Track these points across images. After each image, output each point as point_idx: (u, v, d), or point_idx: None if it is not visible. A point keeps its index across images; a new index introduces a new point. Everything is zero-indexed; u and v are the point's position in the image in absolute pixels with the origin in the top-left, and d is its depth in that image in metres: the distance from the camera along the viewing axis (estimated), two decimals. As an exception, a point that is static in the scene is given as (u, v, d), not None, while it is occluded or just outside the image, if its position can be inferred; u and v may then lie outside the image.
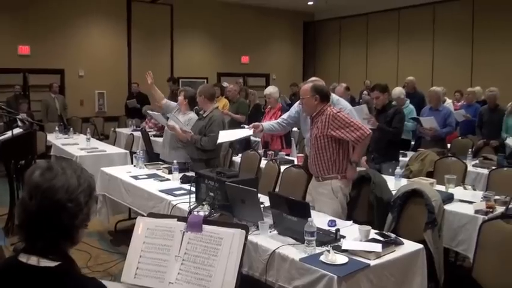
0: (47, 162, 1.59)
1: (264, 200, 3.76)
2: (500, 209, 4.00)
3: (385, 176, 4.60)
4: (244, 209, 3.50)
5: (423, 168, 5.74)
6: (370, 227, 3.31)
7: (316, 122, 4.14)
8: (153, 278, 2.33)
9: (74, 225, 1.54)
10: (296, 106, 4.99)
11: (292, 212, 3.18)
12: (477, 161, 6.18)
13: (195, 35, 14.38)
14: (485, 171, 5.61)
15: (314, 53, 16.99)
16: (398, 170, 5.02)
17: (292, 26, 16.65)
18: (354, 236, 3.26)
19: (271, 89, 7.28)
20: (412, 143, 7.44)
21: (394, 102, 6.34)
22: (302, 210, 3.15)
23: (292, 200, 3.35)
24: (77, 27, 12.30)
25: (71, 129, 9.41)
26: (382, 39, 14.61)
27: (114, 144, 8.77)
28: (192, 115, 5.74)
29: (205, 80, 13.68)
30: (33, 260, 1.50)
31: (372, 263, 2.84)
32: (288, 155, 6.79)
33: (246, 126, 5.98)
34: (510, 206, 4.00)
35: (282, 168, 5.44)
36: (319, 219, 3.42)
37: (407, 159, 6.21)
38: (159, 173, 5.44)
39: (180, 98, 5.84)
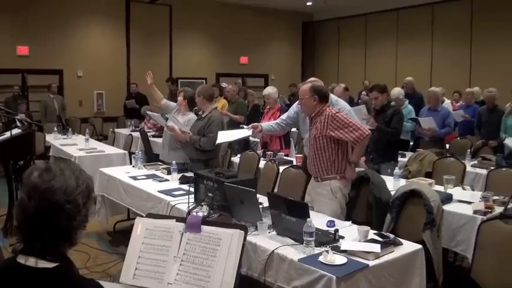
0: (45, 163, 1.58)
1: (263, 200, 3.76)
2: (498, 209, 4.00)
3: (384, 177, 4.60)
4: (243, 210, 3.50)
5: (422, 169, 5.74)
6: (368, 228, 3.31)
7: (315, 123, 4.13)
8: (152, 278, 2.33)
9: (72, 227, 1.54)
10: (295, 106, 4.99)
11: (291, 213, 3.18)
12: (476, 162, 6.19)
13: (193, 35, 14.39)
14: (484, 171, 5.62)
15: (313, 53, 17.00)
16: (397, 171, 5.02)
17: (291, 27, 16.66)
18: (353, 236, 3.26)
19: (270, 90, 7.28)
20: (411, 143, 7.44)
21: (393, 103, 6.34)
22: (301, 210, 3.15)
23: (291, 201, 3.35)
24: (76, 28, 12.30)
25: (70, 129, 9.39)
26: (381, 40, 14.63)
27: (112, 145, 8.76)
28: (192, 116, 5.73)
29: (204, 81, 13.69)
30: (31, 261, 1.50)
31: (371, 263, 2.84)
32: (286, 155, 6.78)
33: (245, 126, 5.97)
34: (509, 206, 4.01)
35: (281, 168, 5.43)
36: (318, 220, 3.42)
37: (406, 159, 6.21)
38: (158, 173, 5.44)
39: (180, 98, 5.83)
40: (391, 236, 3.26)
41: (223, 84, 10.41)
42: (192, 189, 4.06)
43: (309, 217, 2.99)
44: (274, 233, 3.33)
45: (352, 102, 9.13)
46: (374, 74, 14.10)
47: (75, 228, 1.55)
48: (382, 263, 2.89)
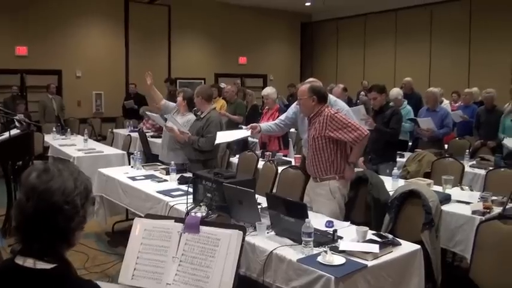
0: (43, 164, 1.58)
1: (262, 201, 3.76)
2: (497, 210, 4.01)
3: (382, 177, 4.60)
4: (241, 210, 3.50)
5: (420, 169, 5.74)
6: (367, 228, 3.31)
7: (314, 123, 4.13)
8: (151, 279, 2.33)
9: (70, 228, 1.54)
10: (293, 107, 4.98)
11: (289, 213, 3.18)
12: (474, 162, 6.20)
13: (192, 35, 14.39)
14: (483, 171, 5.62)
15: (311, 53, 17.00)
16: (395, 171, 5.02)
17: (289, 27, 16.66)
18: (351, 236, 3.26)
19: (269, 90, 7.29)
20: (410, 143, 7.45)
21: (391, 103, 6.35)
22: (299, 211, 3.16)
23: (290, 201, 3.36)
24: (75, 28, 12.29)
25: (68, 130, 9.38)
26: (380, 40, 14.63)
27: (111, 145, 8.76)
28: (191, 116, 5.73)
29: (202, 81, 13.69)
30: (29, 263, 1.49)
31: (369, 263, 2.84)
32: (285, 155, 6.78)
33: (243, 127, 5.97)
34: (507, 206, 4.01)
35: (280, 169, 5.44)
36: (316, 220, 3.42)
37: (404, 160, 6.22)
38: (157, 174, 5.44)
39: (179, 99, 5.83)
40: (390, 236, 3.27)
41: (222, 85, 10.40)
42: (190, 190, 4.06)
43: (307, 217, 2.99)
44: (272, 233, 3.33)
45: (350, 103, 9.12)
46: (373, 74, 14.11)
47: (73, 229, 1.55)
48: (380, 264, 2.89)
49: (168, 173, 5.22)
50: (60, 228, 1.51)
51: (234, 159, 6.63)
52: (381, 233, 3.44)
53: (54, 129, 9.16)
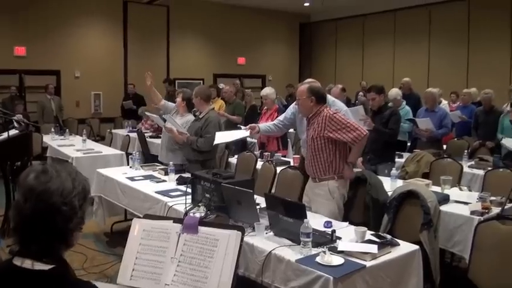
0: (41, 165, 1.58)
1: (260, 201, 3.77)
2: (495, 210, 4.02)
3: (381, 177, 4.61)
4: (240, 211, 3.50)
5: (419, 170, 5.75)
6: (366, 228, 3.32)
7: (313, 124, 4.13)
8: (149, 279, 2.32)
9: (68, 229, 1.54)
10: (292, 107, 4.99)
11: (288, 213, 3.19)
12: (473, 162, 6.21)
13: (191, 36, 14.38)
14: (481, 172, 5.63)
15: (310, 54, 17.01)
16: (394, 171, 5.03)
17: (288, 28, 16.66)
18: (350, 237, 3.27)
19: (267, 90, 7.29)
20: (408, 144, 7.45)
21: (390, 104, 6.35)
22: (298, 211, 3.16)
23: (288, 201, 3.36)
24: (73, 28, 12.27)
25: (67, 130, 9.37)
26: (378, 41, 14.63)
27: (110, 146, 8.76)
28: (190, 117, 5.72)
29: (201, 81, 13.69)
30: (27, 264, 1.49)
31: (368, 264, 2.84)
32: (284, 156, 6.79)
33: (242, 127, 5.98)
34: (506, 207, 4.02)
35: (278, 169, 5.44)
36: (315, 221, 3.43)
37: (403, 160, 6.23)
38: (155, 174, 5.44)
39: (178, 99, 5.83)
40: (388, 236, 3.27)
41: (221, 85, 10.40)
42: (189, 190, 4.06)
43: (306, 218, 2.99)
44: (271, 233, 3.33)
45: (349, 103, 9.12)
46: (371, 74, 14.11)
47: (71, 230, 1.55)
48: (379, 264, 2.90)
49: (166, 174, 5.22)
50: (58, 229, 1.51)
51: (233, 160, 6.63)
52: (380, 233, 3.44)
53: (52, 129, 9.16)
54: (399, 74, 11.95)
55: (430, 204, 3.75)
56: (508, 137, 6.51)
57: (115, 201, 5.26)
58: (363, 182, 4.31)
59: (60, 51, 12.09)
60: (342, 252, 2.95)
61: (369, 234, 3.27)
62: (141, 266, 2.37)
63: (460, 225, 3.99)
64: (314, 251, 2.96)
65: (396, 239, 3.22)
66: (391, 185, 4.72)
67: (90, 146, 7.86)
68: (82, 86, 12.50)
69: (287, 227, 3.19)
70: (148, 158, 7.94)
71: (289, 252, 2.99)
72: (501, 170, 5.22)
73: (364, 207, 4.24)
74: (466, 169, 5.77)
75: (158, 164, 5.87)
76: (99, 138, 11.42)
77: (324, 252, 2.85)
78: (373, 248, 2.94)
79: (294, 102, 4.73)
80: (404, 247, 3.14)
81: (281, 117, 5.09)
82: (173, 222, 2.45)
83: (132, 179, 5.21)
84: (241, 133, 5.18)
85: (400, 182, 4.86)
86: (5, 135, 5.57)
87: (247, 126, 4.94)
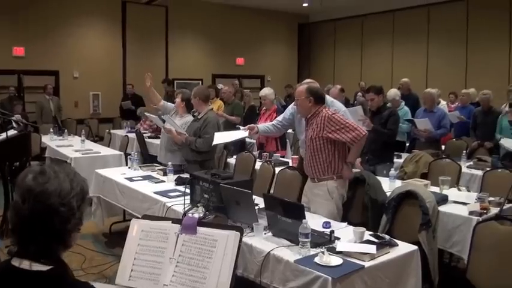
0: (39, 166, 1.58)
1: (259, 201, 3.77)
2: (494, 210, 4.02)
3: (379, 178, 4.61)
4: (239, 211, 3.50)
5: (417, 170, 5.75)
6: (364, 229, 3.32)
7: (312, 124, 4.13)
8: (148, 280, 2.32)
9: (66, 230, 1.54)
10: (291, 108, 4.99)
11: (286, 214, 3.19)
12: (471, 163, 6.21)
13: (190, 36, 14.39)
14: (480, 172, 5.63)
15: (309, 54, 17.01)
16: (392, 172, 5.03)
17: (287, 28, 16.66)
18: (349, 237, 3.27)
19: (266, 91, 7.29)
20: (407, 144, 7.46)
21: (389, 104, 6.35)
22: (296, 211, 3.16)
23: (287, 202, 3.36)
24: (72, 29, 12.27)
25: (66, 130, 9.37)
26: (377, 41, 14.64)
27: (108, 146, 8.75)
28: (190, 118, 5.72)
29: (200, 82, 13.68)
30: (25, 264, 1.49)
31: (367, 264, 2.85)
32: (282, 156, 6.79)
33: (241, 127, 5.98)
34: (504, 207, 4.02)
35: (277, 169, 5.44)
36: (313, 221, 3.43)
37: (401, 160, 6.23)
38: (154, 174, 5.44)
39: (178, 100, 5.83)
40: (387, 237, 3.27)
41: (219, 86, 10.40)
42: (188, 191, 4.06)
43: (304, 218, 2.99)
44: (270, 234, 3.33)
45: (348, 104, 9.13)
46: (370, 75, 14.13)
47: (69, 231, 1.55)
48: (377, 264, 2.90)
49: (165, 174, 5.21)
50: (56, 230, 1.51)
51: (232, 160, 6.63)
52: (378, 233, 3.44)
53: (51, 130, 9.15)
54: (398, 75, 11.96)
55: (428, 204, 3.75)
56: (507, 138, 6.52)
57: (114, 202, 5.26)
58: (361, 182, 4.31)
59: (59, 51, 12.09)
60: (340, 252, 2.95)
61: (367, 235, 3.27)
62: (139, 267, 2.37)
63: (459, 225, 3.99)
64: (313, 251, 2.96)
65: (395, 240, 3.22)
66: (389, 185, 4.72)
67: (88, 147, 7.85)
68: (81, 86, 12.50)
69: (286, 227, 3.19)
70: (147, 158, 7.94)
71: (288, 253, 2.99)
72: (499, 170, 5.22)
73: (362, 207, 4.24)
74: (464, 169, 5.78)
75: (157, 165, 5.87)
76: (98, 138, 11.40)
77: (323, 252, 2.85)
78: (372, 249, 2.94)
79: (293, 103, 4.73)
80: (403, 247, 3.14)
81: (280, 118, 5.09)
82: (172, 222, 2.45)
83: (130, 179, 5.21)
84: (240, 133, 5.19)
85: (398, 183, 4.86)
86: (3, 135, 5.56)
87: (246, 127, 4.95)
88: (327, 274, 2.67)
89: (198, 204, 3.83)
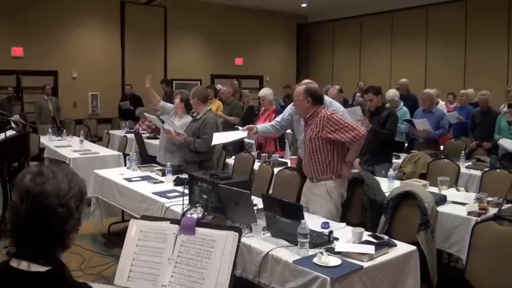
0: (38, 166, 1.58)
1: (258, 202, 3.77)
2: (493, 211, 4.02)
3: (378, 178, 4.61)
4: (237, 211, 3.50)
5: (416, 170, 5.75)
6: (363, 229, 3.32)
7: (310, 124, 4.13)
8: (146, 280, 2.32)
9: (65, 230, 1.53)
10: (289, 108, 4.98)
11: (285, 214, 3.18)
12: (470, 163, 6.22)
13: (188, 36, 14.39)
14: (478, 172, 5.64)
15: (307, 55, 17.02)
16: (391, 172, 5.03)
17: (285, 28, 16.67)
18: (347, 238, 3.27)
19: (265, 91, 7.29)
20: (406, 145, 7.46)
21: (387, 105, 6.35)
22: (295, 212, 3.16)
23: (286, 202, 3.36)
24: (71, 29, 12.27)
25: (64, 131, 9.36)
26: (376, 41, 14.65)
27: (107, 146, 8.75)
28: (189, 119, 5.72)
29: (198, 82, 13.68)
30: (23, 265, 1.49)
31: (365, 264, 2.85)
32: (281, 157, 6.79)
33: (240, 128, 5.98)
34: (503, 207, 4.02)
35: (276, 170, 5.44)
36: (312, 221, 3.43)
37: (400, 161, 6.23)
38: (153, 175, 5.44)
39: (177, 101, 5.83)
40: (386, 237, 3.27)
41: (218, 86, 10.40)
42: (186, 191, 4.06)
43: (303, 219, 2.99)
44: (268, 234, 3.33)
45: (346, 104, 9.15)
46: (369, 75, 14.13)
47: (67, 232, 1.55)
48: (376, 265, 2.90)
49: (164, 174, 5.21)
50: (54, 231, 1.51)
51: (230, 161, 6.63)
52: (377, 234, 3.44)
53: (50, 130, 9.14)
54: (397, 75, 11.97)
55: (427, 204, 3.75)
56: (505, 138, 6.52)
57: (112, 202, 5.26)
58: (360, 182, 4.31)
59: (58, 51, 12.09)
60: (339, 253, 2.95)
61: (366, 235, 3.27)
62: (138, 267, 2.37)
63: (457, 225, 3.99)
64: (311, 251, 2.96)
65: (393, 240, 3.22)
66: (388, 185, 4.72)
67: (87, 147, 7.84)
68: (79, 86, 12.49)
69: (284, 227, 3.19)
70: (146, 158, 7.93)
71: (287, 253, 2.99)
72: (498, 170, 5.23)
73: (361, 208, 4.24)
74: (463, 170, 5.78)
75: (155, 165, 5.87)
76: (97, 139, 11.40)
77: (321, 253, 2.85)
78: (371, 249, 2.94)
79: (291, 103, 4.73)
80: (402, 248, 3.14)
81: (278, 118, 5.09)
82: (170, 223, 2.45)
83: (129, 180, 5.20)
84: (239, 134, 5.19)
85: (397, 183, 4.87)
86: (2, 136, 5.56)
87: (245, 127, 4.95)
88: (326, 274, 2.67)
89: (197, 205, 3.84)
